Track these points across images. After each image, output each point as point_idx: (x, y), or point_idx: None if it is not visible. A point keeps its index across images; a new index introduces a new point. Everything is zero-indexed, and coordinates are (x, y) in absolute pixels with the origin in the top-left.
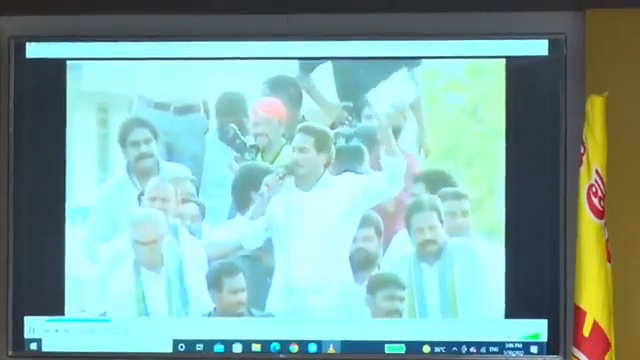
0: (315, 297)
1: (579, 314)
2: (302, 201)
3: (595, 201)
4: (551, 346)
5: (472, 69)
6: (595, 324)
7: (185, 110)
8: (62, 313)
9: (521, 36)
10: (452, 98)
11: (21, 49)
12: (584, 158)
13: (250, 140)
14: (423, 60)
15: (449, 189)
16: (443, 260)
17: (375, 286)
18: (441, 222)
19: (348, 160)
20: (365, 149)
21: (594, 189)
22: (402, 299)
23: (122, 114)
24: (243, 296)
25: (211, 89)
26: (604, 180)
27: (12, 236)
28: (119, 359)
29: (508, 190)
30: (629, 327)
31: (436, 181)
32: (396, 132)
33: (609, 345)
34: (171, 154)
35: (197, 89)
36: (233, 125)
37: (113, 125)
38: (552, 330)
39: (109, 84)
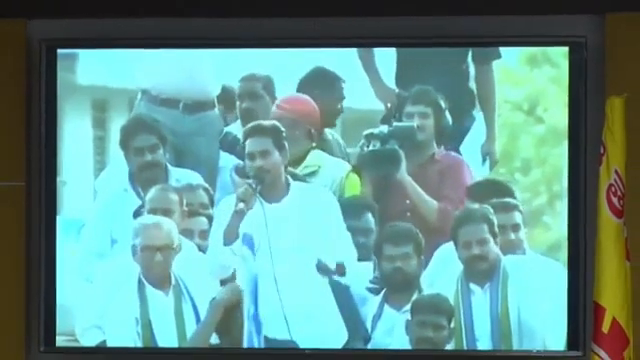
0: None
1: (598, 311)
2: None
3: (614, 200)
4: (571, 342)
5: (530, 58)
6: (614, 321)
7: (196, 108)
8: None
9: (542, 39)
10: (505, 92)
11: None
12: (604, 158)
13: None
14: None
15: (502, 199)
16: (495, 281)
17: (415, 312)
18: (493, 236)
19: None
20: (401, 153)
21: (613, 189)
22: (447, 327)
23: (123, 113)
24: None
25: (226, 81)
26: (623, 180)
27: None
28: (146, 354)
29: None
30: None
31: (487, 190)
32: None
33: (628, 341)
34: (180, 158)
35: (209, 82)
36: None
37: (112, 126)
38: (572, 326)
39: (107, 76)
